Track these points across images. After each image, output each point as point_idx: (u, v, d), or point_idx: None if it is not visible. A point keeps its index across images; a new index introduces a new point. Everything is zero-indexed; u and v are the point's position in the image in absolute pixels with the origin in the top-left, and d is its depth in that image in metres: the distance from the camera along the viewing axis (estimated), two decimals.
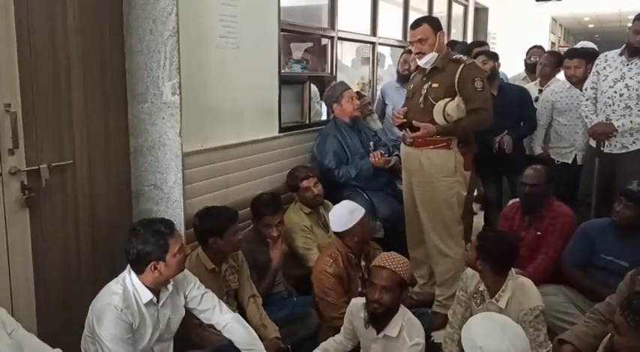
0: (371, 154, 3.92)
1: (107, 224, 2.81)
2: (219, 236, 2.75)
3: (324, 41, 4.50)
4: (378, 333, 2.44)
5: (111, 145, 2.83)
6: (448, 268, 3.45)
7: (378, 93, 5.02)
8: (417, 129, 3.31)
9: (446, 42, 3.55)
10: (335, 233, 3.03)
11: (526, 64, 5.43)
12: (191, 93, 2.91)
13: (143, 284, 2.30)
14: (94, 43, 2.67)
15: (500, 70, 4.83)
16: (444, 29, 3.57)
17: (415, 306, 3.45)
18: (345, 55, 5.91)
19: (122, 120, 2.88)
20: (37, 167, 2.43)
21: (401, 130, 3.54)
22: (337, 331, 2.71)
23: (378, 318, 2.40)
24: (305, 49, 4.62)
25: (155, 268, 2.27)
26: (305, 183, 3.53)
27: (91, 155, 2.71)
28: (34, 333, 2.40)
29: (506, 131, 4.20)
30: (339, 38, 4.57)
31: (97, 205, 2.76)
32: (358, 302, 2.51)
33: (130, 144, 2.93)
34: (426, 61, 3.34)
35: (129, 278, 2.31)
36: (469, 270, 2.70)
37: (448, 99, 3.30)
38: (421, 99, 3.37)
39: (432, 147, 3.37)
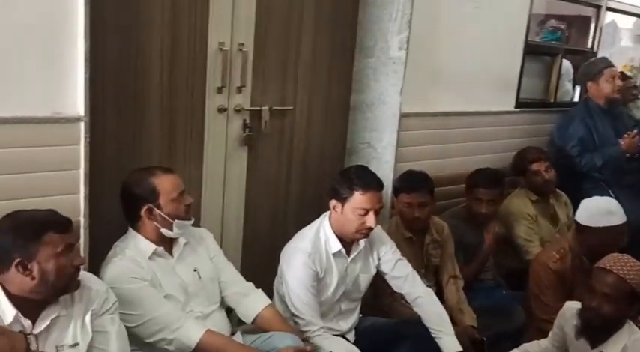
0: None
1: (318, 174, 2.82)
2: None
3: (581, 11, 3.94)
4: (592, 348, 2.01)
5: (333, 98, 2.83)
6: None
7: None
8: None
9: None
10: (576, 224, 2.60)
11: None
12: (419, 50, 2.76)
13: (335, 234, 2.24)
14: None
15: None
16: None
17: None
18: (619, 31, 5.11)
19: (347, 73, 2.86)
20: (259, 108, 2.52)
21: None
22: (544, 335, 2.33)
23: (594, 330, 1.98)
24: (564, 20, 4.10)
25: (334, 208, 2.21)
26: (535, 166, 3.13)
27: (311, 104, 2.74)
28: (238, 264, 2.57)
29: None
30: (609, 9, 3.94)
31: (311, 155, 2.80)
32: (573, 306, 2.10)
33: (352, 99, 2.89)
34: None
35: (323, 226, 2.27)
36: None
37: None
38: None
39: None
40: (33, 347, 1.17)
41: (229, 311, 2.19)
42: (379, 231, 2.37)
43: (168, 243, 1.99)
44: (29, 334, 1.18)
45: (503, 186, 2.98)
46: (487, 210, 2.86)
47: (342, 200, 2.18)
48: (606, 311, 1.93)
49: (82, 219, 1.87)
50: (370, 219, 2.16)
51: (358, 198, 2.16)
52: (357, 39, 2.82)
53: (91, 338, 1.60)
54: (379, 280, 2.45)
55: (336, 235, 2.24)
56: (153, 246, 1.93)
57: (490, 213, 2.88)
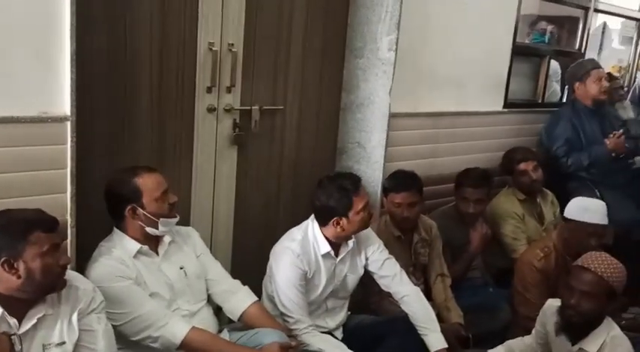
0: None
1: (309, 174, 2.82)
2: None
3: (572, 12, 3.98)
4: (572, 345, 2.05)
5: (323, 98, 2.84)
6: None
7: (638, 78, 4.28)
8: None
9: None
10: (563, 219, 2.68)
11: None
12: (408, 51, 2.79)
13: (324, 235, 2.27)
14: None
15: None
16: None
17: None
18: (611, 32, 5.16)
19: (337, 74, 2.87)
20: (249, 108, 2.53)
21: None
22: (528, 332, 2.37)
23: (574, 327, 2.02)
24: (555, 21, 4.14)
25: (337, 223, 2.22)
26: (522, 166, 3.17)
27: (302, 105, 2.76)
28: (229, 263, 2.58)
29: None
30: (596, 10, 3.97)
31: (302, 154, 2.81)
32: (554, 303, 2.14)
33: (342, 99, 2.91)
34: None
35: (311, 227, 2.30)
36: None
37: None
38: None
39: None
40: (17, 348, 1.18)
41: (219, 310, 2.21)
42: (367, 232, 2.39)
43: (153, 242, 2.00)
44: (13, 335, 1.19)
45: (491, 185, 3.01)
46: (474, 210, 2.89)
47: (344, 212, 2.21)
48: (585, 308, 1.97)
49: (68, 218, 1.89)
50: (372, 208, 2.30)
51: (357, 201, 2.21)
52: (346, 40, 2.83)
53: (78, 337, 1.62)
54: (367, 279, 2.47)
55: (325, 237, 2.27)
56: (138, 245, 1.94)
57: (477, 212, 2.91)
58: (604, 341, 1.99)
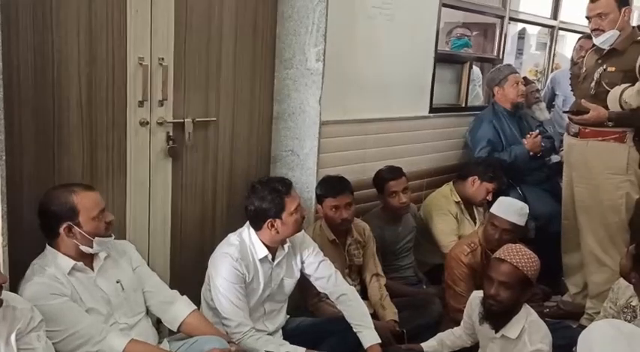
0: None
1: (244, 183, 2.85)
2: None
3: (494, 21, 4.21)
4: (496, 332, 2.20)
5: (256, 108, 2.91)
6: (604, 280, 3.00)
7: (548, 81, 4.56)
8: (585, 113, 2.92)
9: (634, 22, 3.08)
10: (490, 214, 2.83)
11: None
12: (336, 61, 2.88)
13: (260, 240, 2.33)
14: (248, 8, 2.75)
15: None
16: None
17: (563, 317, 3.16)
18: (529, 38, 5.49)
19: (268, 84, 2.94)
20: (182, 120, 2.56)
21: (571, 120, 3.15)
22: (459, 324, 2.52)
23: (495, 316, 2.17)
24: (477, 28, 4.38)
25: (272, 225, 2.29)
26: (489, 187, 3.26)
27: (235, 115, 2.81)
28: (167, 276, 2.60)
29: None
30: (512, 19, 4.22)
31: (237, 164, 2.86)
32: (478, 295, 2.29)
33: (274, 109, 2.98)
34: (603, 40, 2.92)
35: (247, 233, 2.36)
36: (622, 281, 2.32)
37: (627, 85, 2.86)
38: (593, 84, 2.96)
39: (601, 138, 2.97)
40: None
41: (160, 322, 2.23)
42: (302, 235, 2.47)
43: (88, 258, 1.99)
44: None
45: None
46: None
47: (278, 213, 2.28)
48: (503, 297, 2.12)
49: (0, 237, 1.85)
50: (304, 210, 2.37)
51: (289, 202, 2.29)
52: (276, 51, 2.91)
53: None
54: (304, 281, 2.54)
55: (262, 242, 2.33)
56: (72, 262, 1.93)
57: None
58: (523, 326, 2.15)
